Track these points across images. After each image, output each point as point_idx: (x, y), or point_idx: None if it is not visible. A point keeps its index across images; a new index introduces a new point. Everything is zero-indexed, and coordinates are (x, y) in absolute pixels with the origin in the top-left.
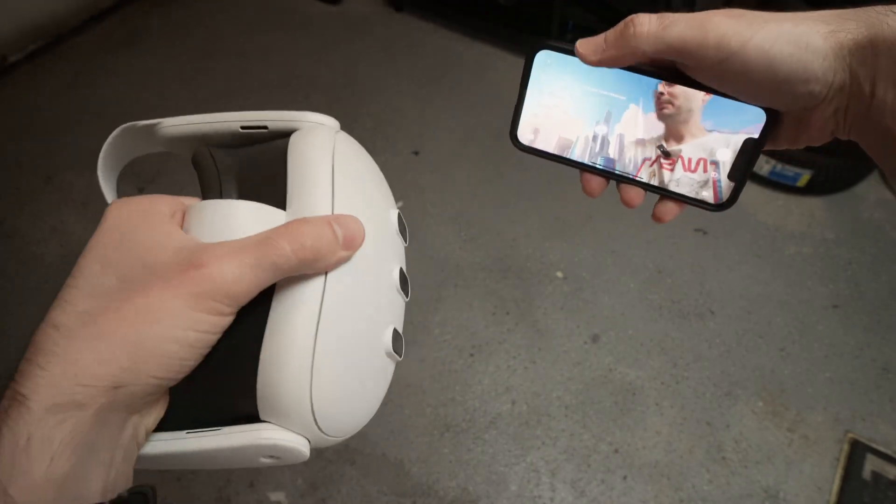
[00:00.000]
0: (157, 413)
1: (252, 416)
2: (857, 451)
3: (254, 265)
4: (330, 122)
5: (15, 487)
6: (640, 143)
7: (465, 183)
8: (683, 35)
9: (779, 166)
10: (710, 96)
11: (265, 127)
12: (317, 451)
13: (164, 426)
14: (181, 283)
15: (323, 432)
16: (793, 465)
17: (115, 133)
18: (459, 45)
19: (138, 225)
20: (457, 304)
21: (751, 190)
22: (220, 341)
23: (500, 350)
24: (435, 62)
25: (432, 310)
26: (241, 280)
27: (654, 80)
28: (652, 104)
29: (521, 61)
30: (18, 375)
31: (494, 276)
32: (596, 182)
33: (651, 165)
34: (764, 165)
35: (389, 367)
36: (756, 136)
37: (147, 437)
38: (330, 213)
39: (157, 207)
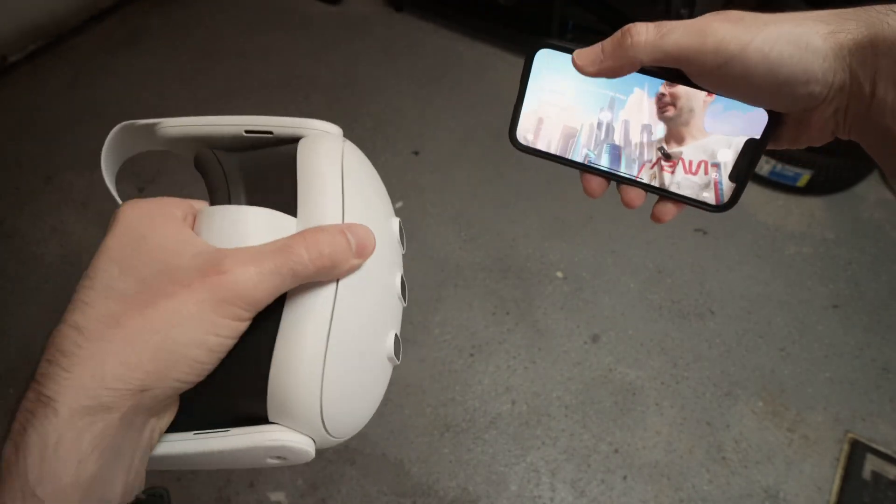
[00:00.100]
0: (170, 415)
1: (259, 418)
2: (857, 451)
3: (273, 272)
4: (334, 130)
5: (43, 490)
6: (640, 144)
7: (465, 183)
8: (681, 42)
9: (779, 166)
10: (712, 98)
11: (270, 132)
12: (317, 452)
13: (170, 427)
14: (204, 288)
15: (329, 434)
16: (793, 465)
17: (114, 131)
18: (459, 45)
19: (153, 228)
20: (457, 304)
21: (751, 190)
22: None
23: (500, 350)
24: (435, 62)
25: (432, 310)
26: (262, 286)
27: (655, 81)
28: (653, 105)
29: (520, 61)
30: (42, 377)
31: (494, 276)
32: (596, 182)
33: (651, 168)
34: (764, 165)
35: (388, 371)
36: (757, 136)
37: (159, 439)
38: (340, 221)
39: (170, 210)
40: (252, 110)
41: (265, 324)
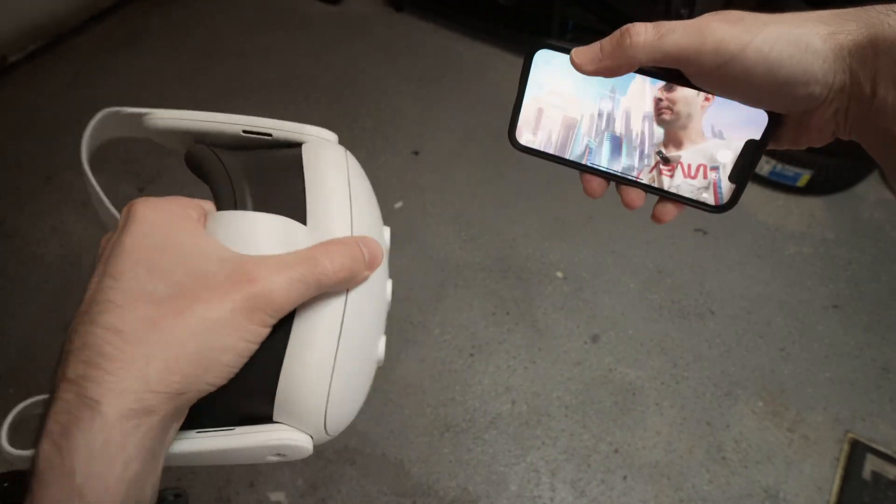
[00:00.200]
0: (184, 416)
1: (262, 417)
2: (857, 451)
3: (300, 280)
4: (332, 137)
5: (90, 490)
6: (639, 146)
7: (465, 183)
8: (680, 43)
9: (779, 166)
10: (710, 101)
11: (269, 134)
12: (316, 451)
13: None
14: (237, 295)
15: (326, 432)
16: (793, 465)
17: (99, 116)
18: (459, 45)
19: (175, 230)
20: (457, 304)
21: (751, 190)
22: None
23: (500, 350)
24: (435, 62)
25: (432, 310)
26: (289, 295)
27: (653, 82)
28: (651, 107)
29: (520, 61)
30: (81, 379)
31: (494, 276)
32: (597, 182)
33: (650, 172)
34: (764, 165)
35: (374, 371)
36: (757, 138)
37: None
38: (349, 231)
39: (188, 212)
40: (252, 110)
41: (276, 326)
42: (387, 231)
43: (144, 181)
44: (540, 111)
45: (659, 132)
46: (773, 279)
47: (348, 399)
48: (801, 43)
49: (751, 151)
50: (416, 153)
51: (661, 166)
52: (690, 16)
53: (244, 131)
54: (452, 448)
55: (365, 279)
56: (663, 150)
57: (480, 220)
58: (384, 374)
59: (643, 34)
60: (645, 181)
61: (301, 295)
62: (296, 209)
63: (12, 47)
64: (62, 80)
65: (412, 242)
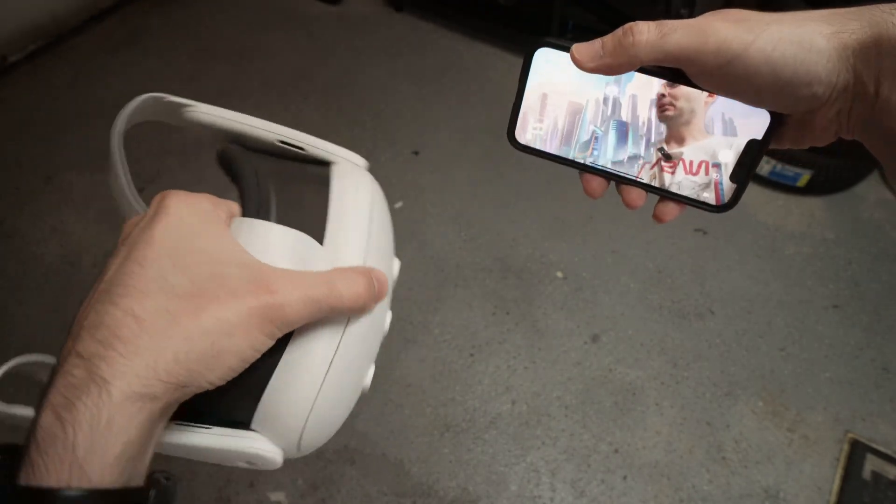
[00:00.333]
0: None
1: (239, 422)
2: (857, 451)
3: (315, 301)
4: (362, 163)
5: (90, 465)
6: (640, 144)
7: (465, 183)
8: (682, 42)
9: (779, 166)
10: (713, 99)
11: (302, 149)
12: (317, 451)
13: None
14: (254, 302)
15: (299, 450)
16: (793, 465)
17: (138, 101)
18: (459, 45)
19: (203, 228)
20: (457, 304)
21: (751, 190)
22: None
23: (500, 350)
24: (435, 62)
25: (432, 310)
26: (301, 312)
27: (655, 80)
28: (653, 105)
29: (520, 61)
30: (94, 357)
31: (494, 276)
32: (597, 182)
33: (651, 168)
34: (764, 165)
35: (357, 398)
36: (759, 137)
37: None
38: (362, 259)
39: (217, 212)
40: (252, 110)
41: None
42: (397, 264)
43: (144, 181)
44: (540, 109)
45: (661, 128)
46: (773, 279)
47: (327, 422)
48: (804, 42)
49: (753, 151)
50: (416, 153)
51: (663, 163)
52: (690, 15)
53: (280, 141)
54: (452, 448)
55: (370, 310)
56: (665, 147)
57: (480, 220)
58: (384, 374)
59: (646, 33)
60: (646, 179)
61: (311, 315)
62: (315, 227)
63: (12, 47)
64: (62, 80)
65: (412, 242)
